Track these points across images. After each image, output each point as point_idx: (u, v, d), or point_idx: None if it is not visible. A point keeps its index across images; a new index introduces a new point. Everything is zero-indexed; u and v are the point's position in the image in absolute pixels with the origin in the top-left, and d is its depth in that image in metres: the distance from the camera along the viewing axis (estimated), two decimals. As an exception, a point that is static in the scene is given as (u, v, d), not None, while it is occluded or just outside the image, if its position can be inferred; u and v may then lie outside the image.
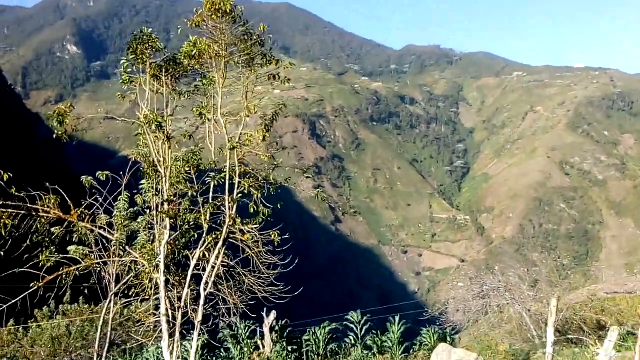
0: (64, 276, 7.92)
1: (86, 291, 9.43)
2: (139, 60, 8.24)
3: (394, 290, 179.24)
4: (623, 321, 24.84)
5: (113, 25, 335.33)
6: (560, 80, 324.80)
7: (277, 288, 8.95)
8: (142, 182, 8.59)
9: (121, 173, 8.33)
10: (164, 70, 8.43)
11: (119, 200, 8.48)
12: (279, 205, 9.43)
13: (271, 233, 8.72)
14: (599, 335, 18.70)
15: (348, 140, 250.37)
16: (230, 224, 8.53)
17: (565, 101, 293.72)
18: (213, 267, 8.54)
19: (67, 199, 7.71)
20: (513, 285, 21.52)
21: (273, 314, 14.95)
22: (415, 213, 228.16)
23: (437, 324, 20.89)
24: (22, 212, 7.42)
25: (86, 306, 18.29)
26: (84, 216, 7.92)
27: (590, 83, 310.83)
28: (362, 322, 14.32)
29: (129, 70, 8.40)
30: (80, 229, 7.95)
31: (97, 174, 8.51)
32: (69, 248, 8.11)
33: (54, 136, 8.46)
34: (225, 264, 8.74)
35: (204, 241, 8.55)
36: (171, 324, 8.15)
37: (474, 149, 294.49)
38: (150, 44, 8.25)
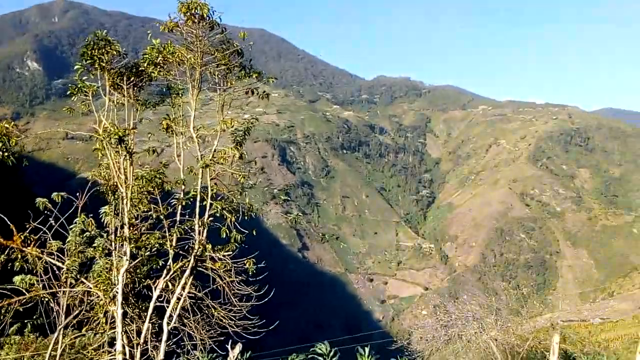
0: (3, 309, 6.71)
1: (37, 321, 8.10)
2: (97, 67, 7.24)
3: (359, 318, 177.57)
4: (583, 349, 25.13)
5: (78, 43, 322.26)
6: (522, 115, 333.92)
7: (249, 322, 7.98)
8: (104, 207, 7.54)
9: (77, 194, 7.26)
10: (125, 79, 7.47)
11: (75, 223, 7.40)
12: (254, 232, 8.39)
13: (246, 261, 7.84)
14: None
15: (318, 167, 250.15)
16: (200, 250, 7.57)
17: (527, 135, 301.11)
18: (178, 299, 7.50)
19: (8, 222, 6.57)
20: (480, 315, 21.11)
21: (239, 347, 13.95)
22: (382, 241, 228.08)
23: (406, 353, 20.50)
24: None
25: (32, 336, 16.61)
26: (29, 241, 6.75)
27: (550, 118, 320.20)
28: (332, 353, 13.47)
29: (84, 77, 7.40)
30: (26, 255, 6.76)
31: (52, 195, 7.36)
32: (14, 278, 6.96)
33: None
34: (193, 295, 7.71)
35: (169, 270, 7.49)
36: (128, 363, 7.05)
37: (440, 179, 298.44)
38: (108, 48, 7.29)
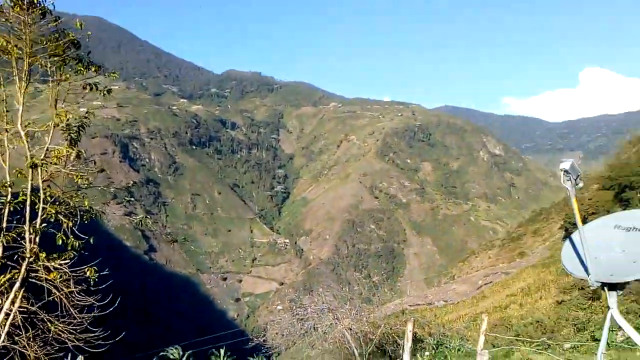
0: None
1: None
2: None
3: (213, 319, 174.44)
4: (431, 332, 26.21)
5: None
6: (370, 112, 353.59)
7: (91, 334, 7.31)
8: None
9: None
10: None
11: None
12: (91, 240, 7.42)
13: (86, 269, 7.16)
14: (415, 348, 19.30)
15: (165, 164, 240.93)
16: (32, 259, 6.81)
17: (375, 131, 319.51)
18: (7, 315, 6.70)
19: None
20: (335, 306, 21.45)
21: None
22: (236, 238, 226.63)
23: (262, 351, 20.71)
24: None
25: None
26: None
27: (396, 115, 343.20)
28: (185, 357, 13.22)
29: None
30: None
31: None
32: None
33: None
34: (25, 309, 6.92)
35: (-5, 283, 6.71)
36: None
37: (294, 174, 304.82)
38: None
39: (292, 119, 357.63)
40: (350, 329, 20.19)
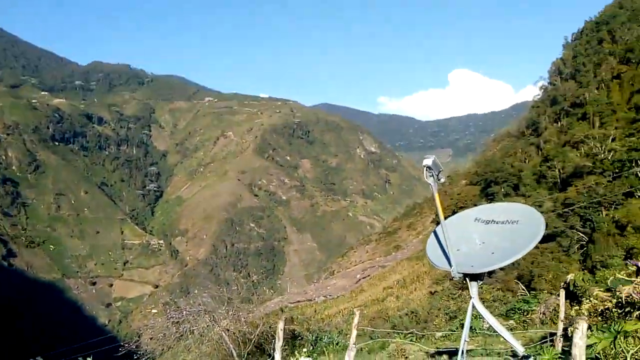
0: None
1: None
2: None
3: (81, 326, 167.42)
4: (310, 328, 28.41)
5: None
6: (248, 107, 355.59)
7: None
8: None
9: None
10: None
11: None
12: None
13: None
14: (294, 345, 20.69)
15: (24, 161, 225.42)
16: None
17: (253, 128, 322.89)
18: None
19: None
20: (213, 307, 21.56)
21: None
22: (105, 240, 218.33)
23: (135, 357, 20.33)
24: None
25: None
26: None
27: (274, 112, 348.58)
28: None
29: None
30: None
31: None
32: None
33: None
34: None
35: None
36: None
37: (167, 172, 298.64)
38: None
39: (165, 114, 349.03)
40: (228, 330, 20.45)
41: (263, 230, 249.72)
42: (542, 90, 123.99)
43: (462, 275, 5.71)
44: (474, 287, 5.83)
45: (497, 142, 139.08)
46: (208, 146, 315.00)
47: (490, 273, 5.70)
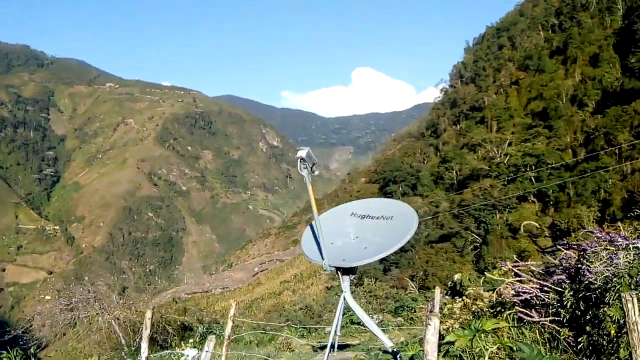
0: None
1: None
2: None
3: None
4: (202, 319, 28.68)
5: None
6: (150, 95, 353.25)
7: None
8: None
9: None
10: None
11: None
12: None
13: None
14: (183, 336, 21.08)
15: None
16: None
17: (154, 116, 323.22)
18: None
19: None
20: (102, 294, 21.96)
21: None
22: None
23: (21, 342, 20.29)
24: None
25: None
26: None
27: (176, 101, 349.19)
28: None
29: None
30: None
31: None
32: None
33: None
34: None
35: None
36: None
37: (65, 157, 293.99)
38: None
39: (64, 97, 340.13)
40: (118, 319, 20.52)
41: (162, 220, 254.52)
42: (443, 93, 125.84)
43: (334, 268, 5.78)
44: (345, 281, 5.88)
45: (397, 141, 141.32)
46: (108, 132, 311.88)
47: (356, 268, 5.87)
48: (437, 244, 72.43)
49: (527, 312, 5.41)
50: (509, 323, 5.41)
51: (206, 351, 7.62)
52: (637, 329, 3.23)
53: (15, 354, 15.08)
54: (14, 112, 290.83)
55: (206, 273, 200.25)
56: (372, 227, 6.13)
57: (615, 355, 4.21)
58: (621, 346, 4.17)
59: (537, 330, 5.25)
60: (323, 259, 5.82)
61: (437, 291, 11.79)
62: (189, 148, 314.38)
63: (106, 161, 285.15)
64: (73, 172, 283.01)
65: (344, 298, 5.98)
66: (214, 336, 8.06)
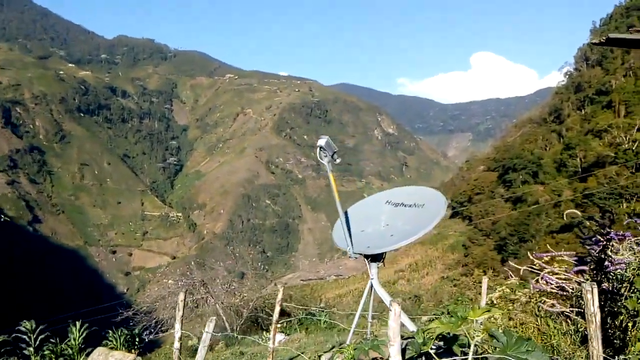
0: None
1: None
2: None
3: (101, 292, 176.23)
4: (308, 306, 28.89)
5: None
6: (267, 85, 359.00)
7: None
8: None
9: None
10: None
11: None
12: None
13: None
14: (283, 321, 20.41)
15: (50, 131, 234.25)
16: None
17: (272, 106, 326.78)
18: None
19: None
20: (208, 280, 22.45)
21: None
22: (126, 211, 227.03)
23: (131, 324, 20.51)
24: None
25: None
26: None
27: (293, 91, 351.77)
28: (38, 330, 12.54)
29: None
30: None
31: None
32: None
33: None
34: None
35: None
36: None
37: (187, 147, 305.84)
38: None
39: (187, 89, 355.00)
40: (222, 303, 21.34)
41: (279, 207, 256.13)
42: (567, 76, 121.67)
43: (358, 255, 5.80)
44: (373, 268, 5.86)
45: (518, 128, 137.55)
46: (227, 122, 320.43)
47: (382, 254, 5.90)
48: (559, 234, 67.62)
49: (552, 302, 5.56)
50: (537, 314, 5.55)
51: (206, 332, 7.17)
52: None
53: (120, 333, 14.93)
54: (139, 103, 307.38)
55: (322, 260, 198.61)
56: (403, 215, 6.14)
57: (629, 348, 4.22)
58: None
59: (563, 322, 5.27)
60: (351, 247, 5.88)
61: (485, 280, 10.17)
62: (305, 137, 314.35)
63: (226, 150, 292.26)
64: (195, 161, 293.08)
65: (371, 285, 6.05)
66: (214, 318, 7.36)
